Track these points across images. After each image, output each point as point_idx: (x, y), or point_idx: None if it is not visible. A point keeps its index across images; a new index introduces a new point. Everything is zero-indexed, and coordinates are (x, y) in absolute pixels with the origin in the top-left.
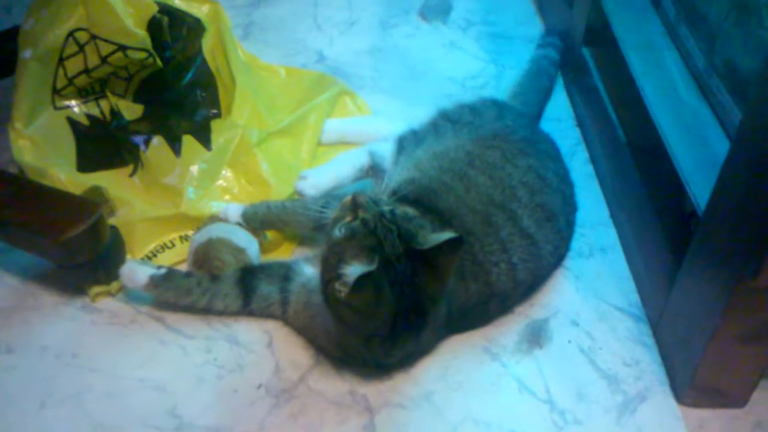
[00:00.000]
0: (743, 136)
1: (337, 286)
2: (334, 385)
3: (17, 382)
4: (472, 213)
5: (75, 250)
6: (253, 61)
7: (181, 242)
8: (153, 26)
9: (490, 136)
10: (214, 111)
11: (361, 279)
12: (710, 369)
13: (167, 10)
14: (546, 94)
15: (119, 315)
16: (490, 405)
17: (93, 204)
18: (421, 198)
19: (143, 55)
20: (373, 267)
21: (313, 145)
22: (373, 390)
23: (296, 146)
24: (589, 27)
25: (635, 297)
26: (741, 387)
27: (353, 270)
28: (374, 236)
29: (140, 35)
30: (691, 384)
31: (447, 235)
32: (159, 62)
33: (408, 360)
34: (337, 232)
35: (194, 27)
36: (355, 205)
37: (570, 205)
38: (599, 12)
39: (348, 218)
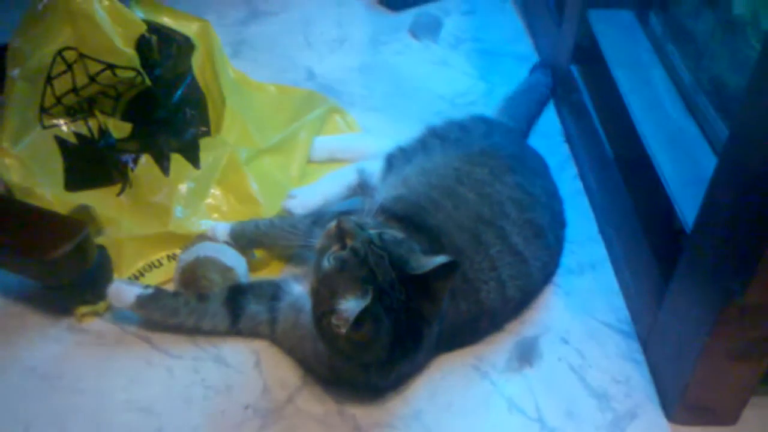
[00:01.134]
0: (730, 152)
1: (334, 321)
2: (323, 405)
3: (2, 404)
4: (460, 230)
5: (61, 270)
6: (243, 78)
7: (169, 261)
8: (142, 45)
9: (478, 153)
10: (204, 129)
11: (361, 315)
12: (700, 386)
13: (156, 29)
14: (536, 110)
15: (105, 335)
16: (479, 424)
17: (79, 223)
18: (409, 215)
19: (132, 73)
20: (368, 301)
21: (302, 163)
22: (362, 410)
23: (286, 164)
24: (578, 44)
25: (625, 313)
26: (731, 404)
27: (351, 306)
28: (366, 265)
29: (128, 54)
30: (681, 401)
31: (441, 259)
32: (148, 81)
33: (401, 381)
34: (326, 263)
35: (184, 45)
36: (340, 232)
37: (559, 221)
38: (587, 30)
39: (335, 247)
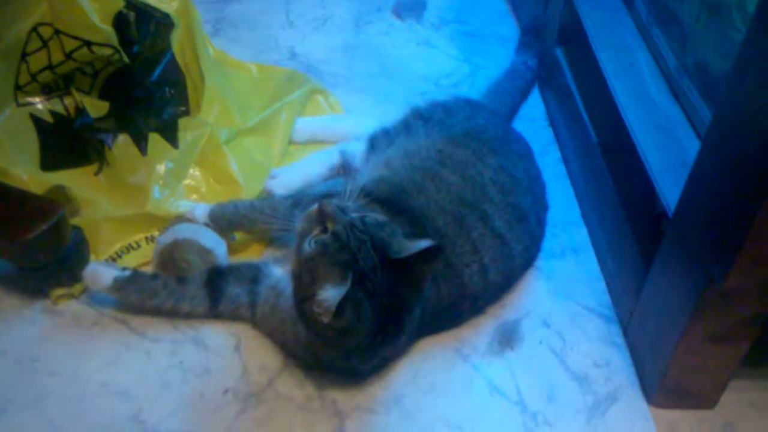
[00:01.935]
0: (713, 136)
1: (315, 308)
2: (303, 389)
3: None
4: (443, 213)
5: (36, 251)
6: (224, 58)
7: (147, 243)
8: (119, 21)
9: (461, 135)
10: (182, 108)
11: (342, 303)
12: (680, 370)
13: (134, 5)
14: (520, 95)
15: (82, 318)
16: (461, 407)
17: (54, 204)
18: (391, 197)
19: (109, 51)
20: (347, 287)
21: (284, 144)
22: (342, 394)
23: (267, 144)
24: (562, 27)
25: (606, 297)
26: (711, 388)
27: (332, 294)
28: (347, 250)
29: (106, 31)
30: (661, 385)
31: (424, 243)
32: (125, 58)
33: (382, 365)
34: (308, 247)
35: (163, 22)
36: (321, 216)
37: (541, 205)
38: (572, 12)
39: (316, 231)
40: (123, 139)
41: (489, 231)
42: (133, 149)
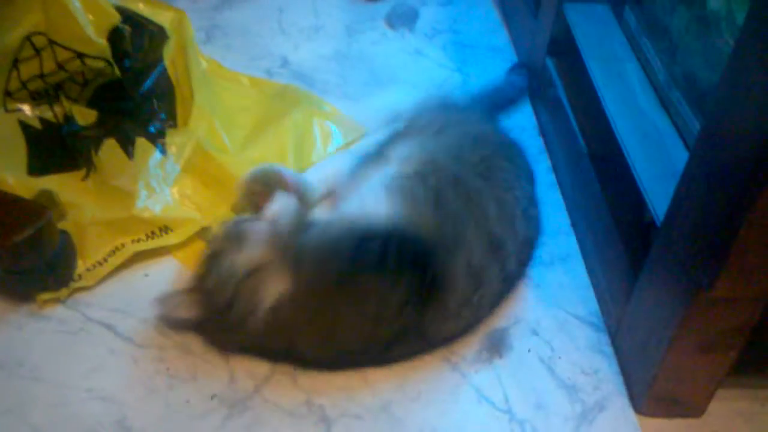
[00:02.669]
0: (701, 146)
1: None
2: (290, 395)
3: None
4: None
5: (22, 255)
6: (216, 68)
7: (132, 244)
8: (115, 36)
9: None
10: (170, 123)
11: None
12: (668, 379)
13: (130, 19)
14: (498, 111)
15: (68, 323)
16: (448, 415)
17: (40, 207)
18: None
19: (101, 63)
20: None
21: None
22: (329, 400)
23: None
24: (553, 38)
25: (595, 306)
26: (698, 397)
27: None
28: None
29: (100, 45)
30: (648, 393)
31: None
32: (117, 72)
33: None
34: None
35: (157, 35)
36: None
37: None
38: (563, 23)
39: None
40: (109, 143)
41: (501, 276)
42: (120, 153)
